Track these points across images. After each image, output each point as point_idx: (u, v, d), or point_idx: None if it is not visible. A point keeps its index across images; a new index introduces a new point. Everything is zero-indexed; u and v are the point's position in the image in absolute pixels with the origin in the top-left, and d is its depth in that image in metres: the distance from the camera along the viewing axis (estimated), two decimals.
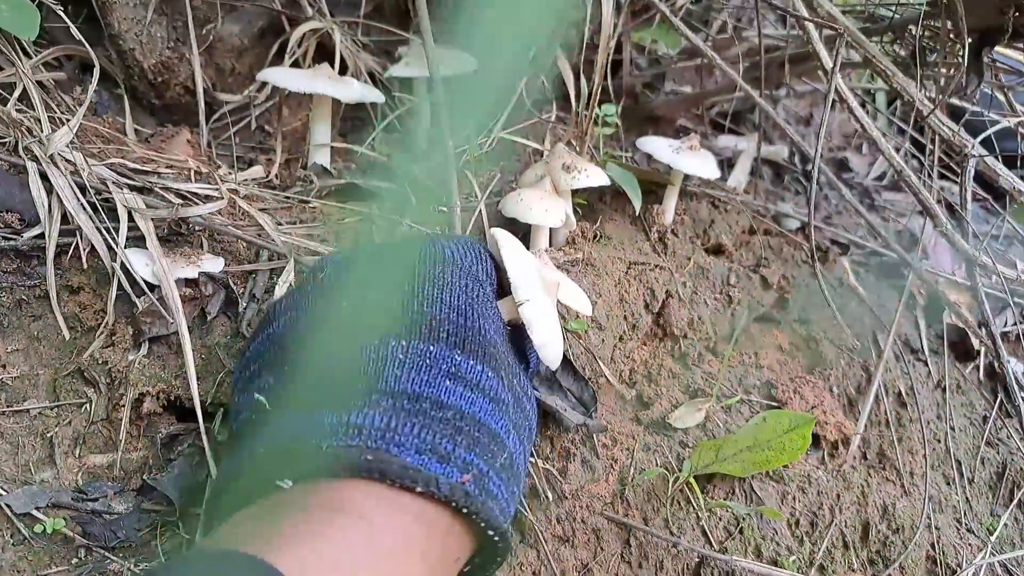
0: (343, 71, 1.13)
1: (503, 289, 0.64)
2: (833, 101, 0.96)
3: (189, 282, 0.72)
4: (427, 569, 0.46)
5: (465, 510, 0.47)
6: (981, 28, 1.01)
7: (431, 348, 0.52)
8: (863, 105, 0.95)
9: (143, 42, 1.01)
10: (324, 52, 1.12)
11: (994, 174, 0.93)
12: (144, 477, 0.63)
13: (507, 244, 0.63)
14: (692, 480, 0.81)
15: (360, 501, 0.45)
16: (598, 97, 1.09)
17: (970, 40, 1.05)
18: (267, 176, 0.93)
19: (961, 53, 1.07)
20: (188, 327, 0.71)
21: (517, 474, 0.55)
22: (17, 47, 0.85)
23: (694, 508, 0.84)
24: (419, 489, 0.45)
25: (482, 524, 0.48)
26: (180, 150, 0.93)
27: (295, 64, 1.10)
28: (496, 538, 0.50)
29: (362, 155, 0.98)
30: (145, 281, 0.72)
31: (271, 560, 0.38)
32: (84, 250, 0.74)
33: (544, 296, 0.62)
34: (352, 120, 1.14)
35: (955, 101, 1.42)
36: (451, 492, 0.46)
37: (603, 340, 0.90)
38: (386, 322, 0.54)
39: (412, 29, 1.29)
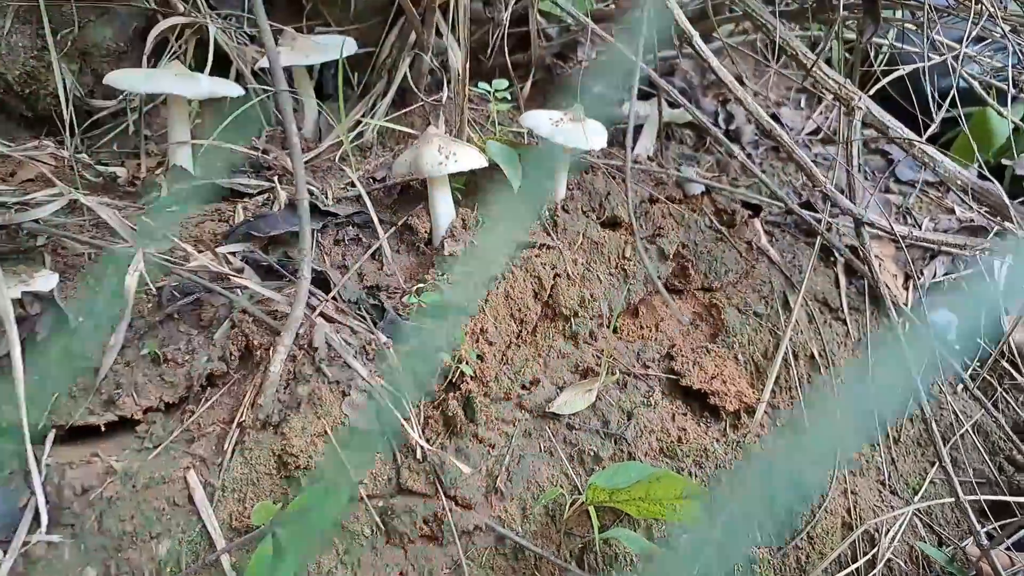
0: (226, 66, 1.10)
1: None
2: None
3: (16, 302, 0.70)
4: None
5: None
6: None
7: None
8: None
9: (3, 53, 0.99)
10: (207, 47, 1.09)
11: (882, 126, 0.89)
12: None
13: None
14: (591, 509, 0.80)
15: None
16: (495, 71, 1.05)
17: None
18: (129, 180, 0.91)
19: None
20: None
21: None
22: None
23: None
24: None
25: None
26: (41, 161, 0.91)
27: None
28: None
29: (232, 151, 0.95)
30: None
31: None
32: None
33: None
34: (237, 116, 1.11)
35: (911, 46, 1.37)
36: None
37: (493, 355, 0.88)
38: None
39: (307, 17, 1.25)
